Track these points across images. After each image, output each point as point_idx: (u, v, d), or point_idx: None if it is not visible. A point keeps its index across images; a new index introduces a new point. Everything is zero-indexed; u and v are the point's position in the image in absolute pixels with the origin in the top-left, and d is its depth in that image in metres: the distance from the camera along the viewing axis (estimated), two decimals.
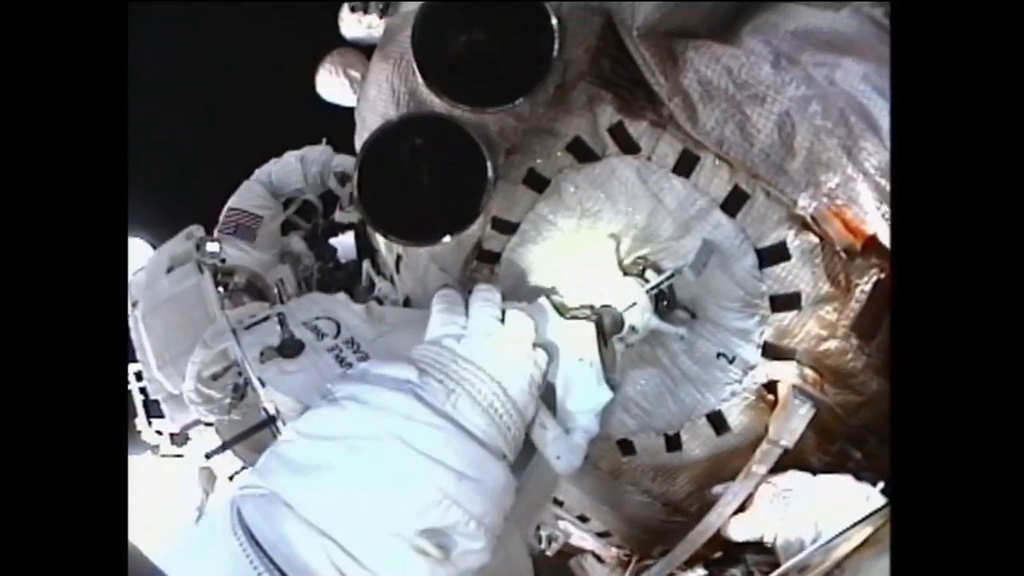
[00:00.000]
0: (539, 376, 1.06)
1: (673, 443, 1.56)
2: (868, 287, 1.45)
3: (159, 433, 3.21)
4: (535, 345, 1.08)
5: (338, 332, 1.26)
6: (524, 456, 1.13)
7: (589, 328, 1.19)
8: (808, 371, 1.49)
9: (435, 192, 1.38)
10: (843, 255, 1.44)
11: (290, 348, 1.23)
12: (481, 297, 1.10)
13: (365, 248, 3.01)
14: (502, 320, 1.08)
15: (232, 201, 3.16)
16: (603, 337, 1.27)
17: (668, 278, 1.38)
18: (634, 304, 1.38)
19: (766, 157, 1.43)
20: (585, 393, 1.18)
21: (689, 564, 1.48)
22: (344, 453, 0.89)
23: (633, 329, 1.40)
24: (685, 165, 1.44)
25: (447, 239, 1.36)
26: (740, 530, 1.37)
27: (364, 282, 2.74)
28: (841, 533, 1.13)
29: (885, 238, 1.41)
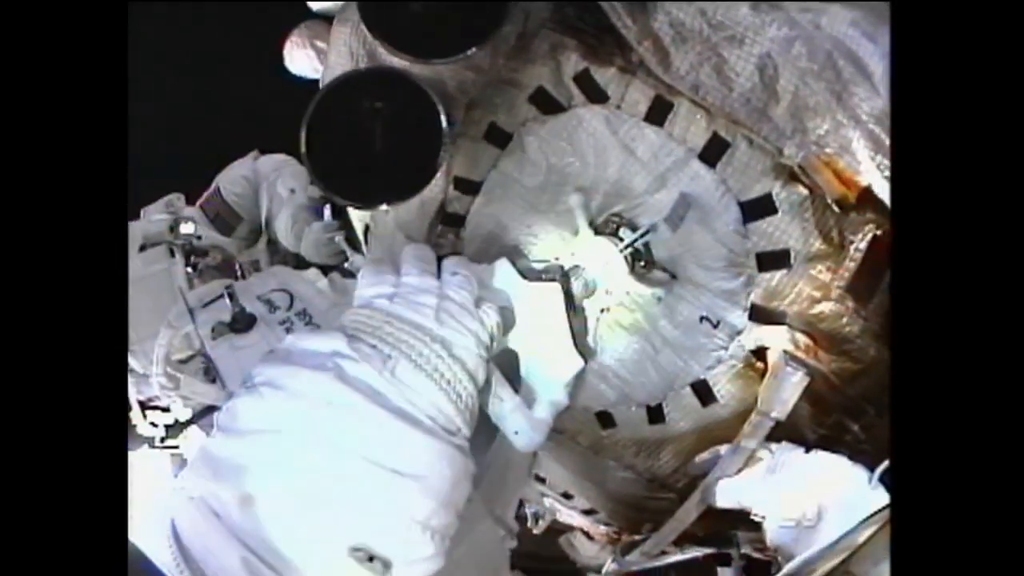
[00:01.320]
0: (486, 335, 0.91)
1: (655, 415, 1.44)
2: (863, 245, 1.32)
3: (154, 425, 3.20)
4: (481, 301, 0.94)
5: (291, 304, 1.20)
6: (487, 435, 1.01)
7: (555, 290, 1.05)
8: (800, 336, 1.34)
9: (389, 152, 1.27)
10: (835, 208, 1.30)
11: (241, 323, 1.11)
12: (413, 255, 0.97)
13: (341, 223, 2.74)
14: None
15: (222, 181, 2.97)
16: (572, 301, 1.15)
17: (643, 235, 1.26)
18: (606, 264, 1.25)
19: (747, 102, 1.30)
20: (552, 362, 1.05)
21: (679, 543, 1.40)
22: (261, 452, 0.77)
23: (607, 292, 1.30)
24: (658, 113, 1.31)
25: (402, 201, 1.27)
26: (726, 495, 1.26)
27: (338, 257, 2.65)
28: (846, 534, 1.03)
29: (881, 190, 1.27)
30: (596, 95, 1.38)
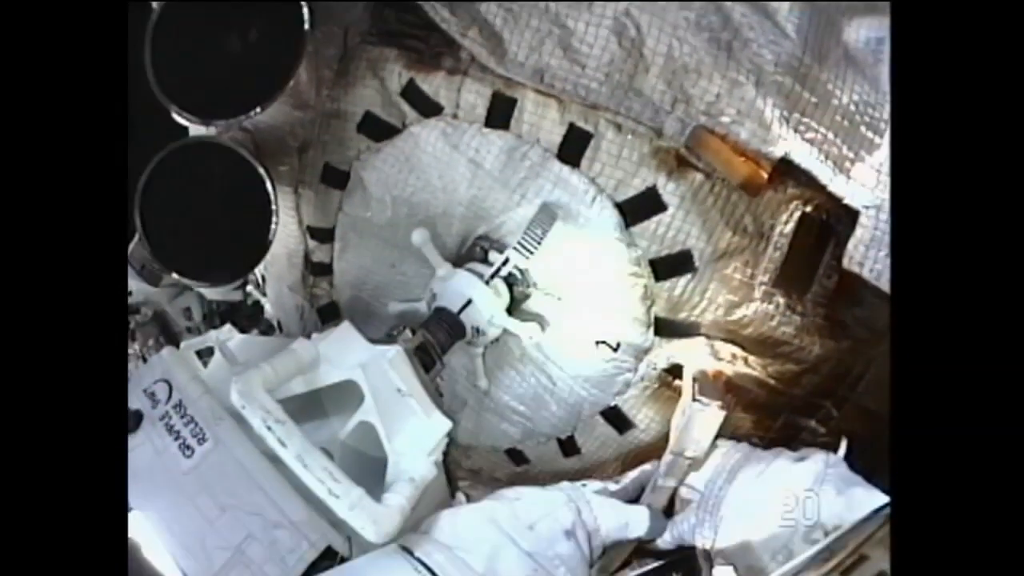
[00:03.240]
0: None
1: (569, 447, 1.13)
2: (790, 227, 0.92)
3: None
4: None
5: (169, 395, 1.04)
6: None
7: (397, 353, 0.88)
8: (721, 345, 0.98)
9: (222, 224, 1.09)
10: (743, 192, 0.90)
11: (131, 421, 1.00)
12: None
13: None
14: None
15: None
16: (431, 355, 0.96)
17: (502, 265, 0.98)
18: (469, 303, 0.98)
19: (606, 78, 0.85)
20: (413, 430, 0.88)
21: (639, 556, 1.07)
22: None
23: (478, 331, 1.00)
24: (499, 113, 0.94)
25: (240, 277, 1.21)
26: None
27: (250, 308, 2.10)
28: (842, 535, 0.89)
29: (802, 156, 0.83)
30: (428, 107, 0.99)
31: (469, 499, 0.99)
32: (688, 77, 0.85)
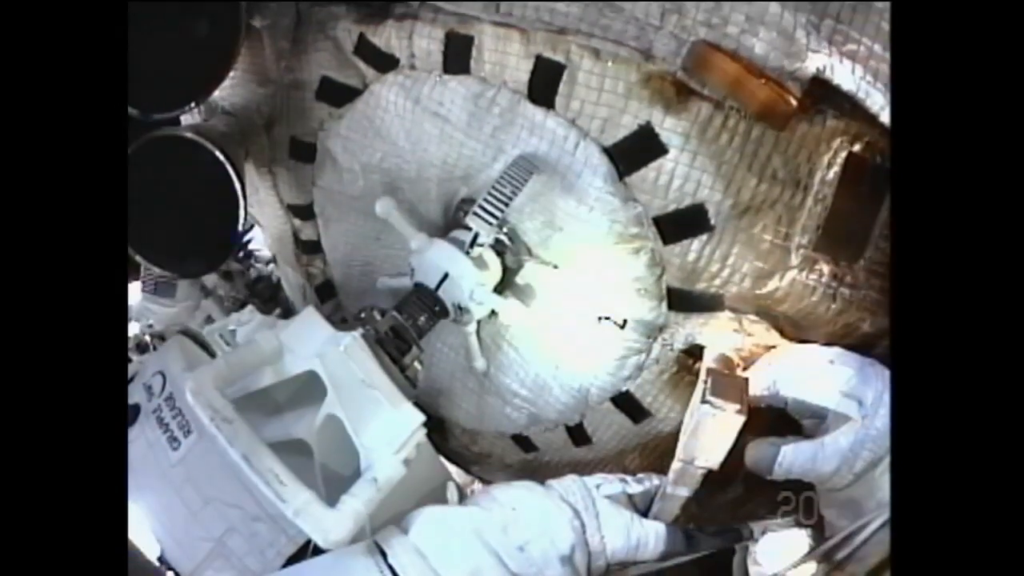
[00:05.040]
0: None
1: (579, 436, 0.98)
2: (833, 172, 0.71)
3: None
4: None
5: (163, 388, 1.01)
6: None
7: (352, 340, 0.79)
8: (751, 321, 0.79)
9: (195, 215, 1.04)
10: (766, 124, 0.68)
11: (130, 416, 0.99)
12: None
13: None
14: None
15: None
16: (405, 339, 0.84)
17: (476, 236, 0.84)
18: (446, 277, 0.85)
19: None
20: (379, 424, 0.79)
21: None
22: None
23: (460, 309, 0.87)
24: (457, 55, 0.79)
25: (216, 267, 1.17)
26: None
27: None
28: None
29: (842, 76, 0.63)
30: (383, 62, 0.86)
31: (462, 495, 0.88)
32: None
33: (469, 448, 1.06)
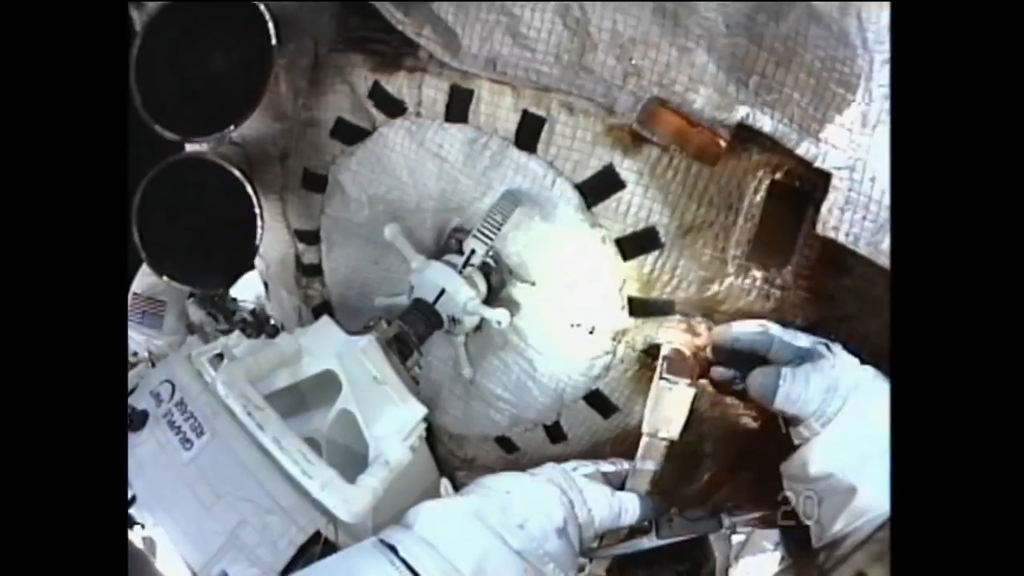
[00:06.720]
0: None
1: (555, 433, 1.10)
2: (760, 197, 0.87)
3: None
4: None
5: (172, 394, 1.09)
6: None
7: (369, 342, 0.91)
8: (698, 323, 0.95)
9: (212, 234, 1.13)
10: (700, 162, 0.86)
11: (135, 421, 1.05)
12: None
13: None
14: None
15: (135, 286, 2.35)
16: (408, 345, 0.97)
17: (470, 255, 0.98)
18: (443, 292, 0.99)
19: (555, 60, 0.83)
20: (388, 416, 0.89)
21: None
22: None
23: (454, 320, 1.00)
24: (458, 106, 0.95)
25: (231, 282, 1.22)
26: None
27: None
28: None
29: (761, 120, 0.79)
30: (393, 107, 1.00)
31: (456, 486, 0.98)
32: (636, 49, 0.82)
33: (455, 454, 1.17)
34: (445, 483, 0.98)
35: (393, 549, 0.75)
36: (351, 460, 0.96)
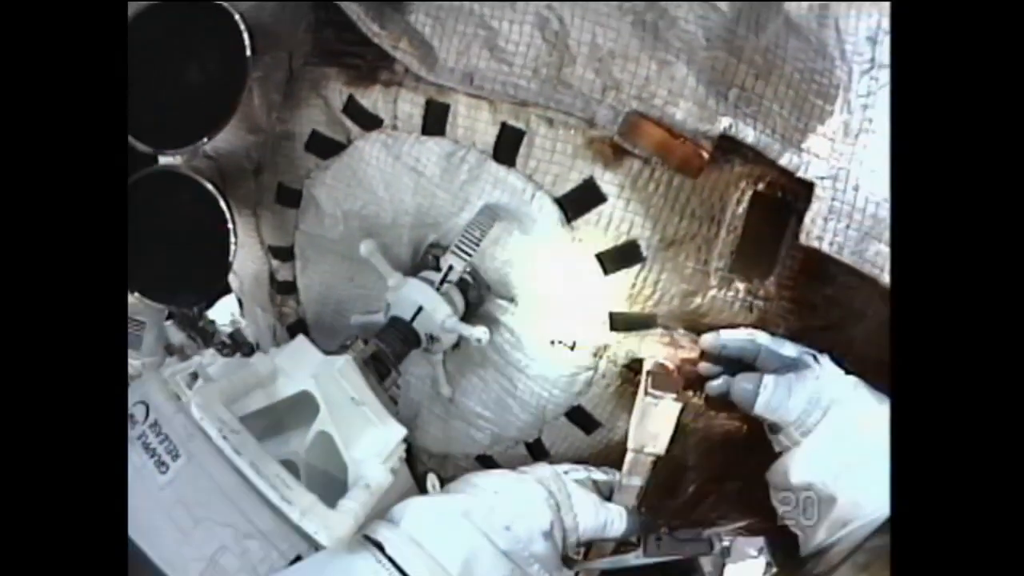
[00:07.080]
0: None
1: (537, 451, 1.08)
2: (742, 208, 0.87)
3: None
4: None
5: (146, 415, 1.01)
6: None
7: (346, 362, 0.89)
8: (681, 336, 0.94)
9: (186, 250, 1.11)
10: (682, 175, 0.85)
11: None
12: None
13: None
14: None
15: None
16: (386, 364, 0.95)
17: (448, 272, 0.97)
18: (420, 310, 0.96)
19: (533, 74, 0.82)
20: (368, 438, 0.87)
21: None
22: None
23: (432, 338, 0.97)
24: (435, 120, 0.93)
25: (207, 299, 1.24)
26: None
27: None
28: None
29: (744, 132, 0.79)
30: (368, 121, 0.98)
31: (442, 482, 0.96)
32: (616, 63, 0.81)
33: (438, 475, 1.15)
34: (432, 478, 0.95)
35: (380, 546, 0.74)
36: (330, 483, 0.93)
